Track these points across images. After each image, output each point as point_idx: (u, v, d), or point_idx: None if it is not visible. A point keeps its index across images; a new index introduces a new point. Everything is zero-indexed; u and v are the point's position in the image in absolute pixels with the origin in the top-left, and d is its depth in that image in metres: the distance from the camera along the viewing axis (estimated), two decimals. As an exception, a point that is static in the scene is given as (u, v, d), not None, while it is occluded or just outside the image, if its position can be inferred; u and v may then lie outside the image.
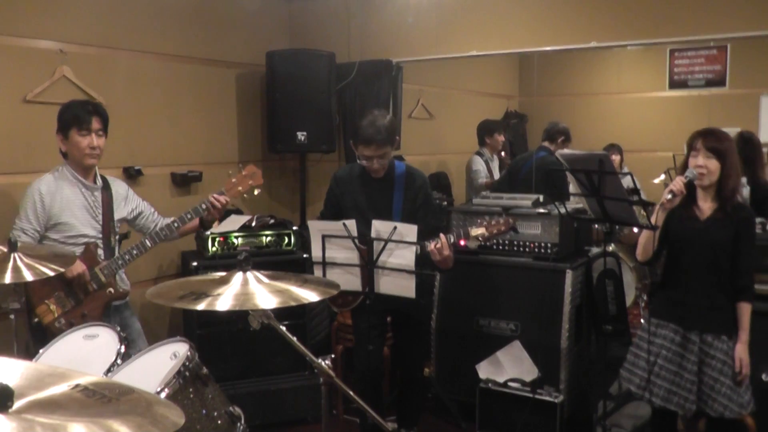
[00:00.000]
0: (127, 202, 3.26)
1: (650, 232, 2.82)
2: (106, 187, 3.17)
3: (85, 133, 3.00)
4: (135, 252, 3.08)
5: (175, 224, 3.17)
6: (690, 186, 2.79)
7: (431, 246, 3.05)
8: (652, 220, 2.81)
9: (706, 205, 2.81)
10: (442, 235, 3.07)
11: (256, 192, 3.20)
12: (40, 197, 2.98)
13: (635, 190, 3.39)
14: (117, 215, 3.19)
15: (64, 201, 3.02)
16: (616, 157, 5.01)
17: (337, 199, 3.36)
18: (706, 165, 2.73)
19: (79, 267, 2.95)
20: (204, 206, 3.13)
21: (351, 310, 3.42)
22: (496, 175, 5.26)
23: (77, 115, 3.00)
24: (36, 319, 2.92)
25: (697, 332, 2.77)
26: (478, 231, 3.11)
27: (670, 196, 2.73)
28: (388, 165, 3.28)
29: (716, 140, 2.74)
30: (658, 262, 2.97)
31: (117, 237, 3.22)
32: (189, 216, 3.15)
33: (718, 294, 2.77)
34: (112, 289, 3.07)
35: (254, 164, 3.27)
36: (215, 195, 3.14)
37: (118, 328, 2.54)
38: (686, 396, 2.76)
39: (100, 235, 3.11)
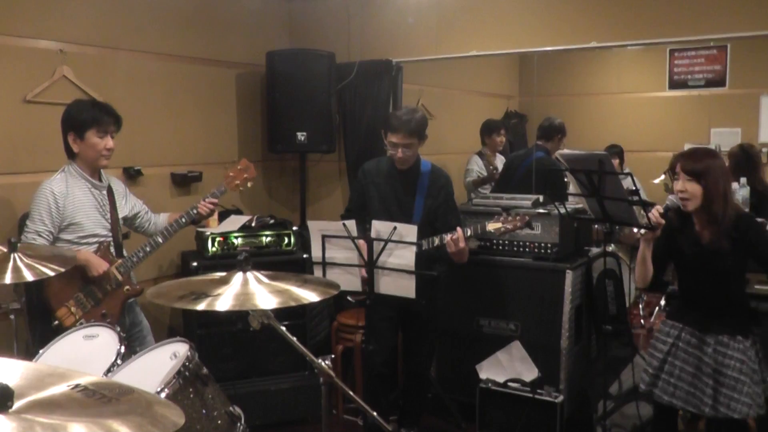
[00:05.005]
0: (126, 200, 3.27)
1: (643, 259, 2.87)
2: (108, 186, 3.18)
3: (103, 134, 2.99)
4: (148, 249, 3.09)
5: (183, 219, 3.18)
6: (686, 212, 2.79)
7: (447, 237, 3.14)
8: (638, 253, 2.87)
9: (704, 231, 2.77)
10: (459, 228, 3.16)
11: (249, 184, 3.31)
12: (54, 198, 2.93)
13: (635, 192, 3.38)
14: (120, 213, 3.20)
15: (76, 201, 2.99)
16: (614, 161, 4.97)
17: (362, 189, 3.47)
18: (686, 188, 2.70)
19: (103, 264, 2.97)
20: (195, 211, 3.19)
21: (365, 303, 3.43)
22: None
23: (97, 117, 2.98)
24: (56, 322, 2.89)
25: (713, 334, 2.76)
26: (494, 225, 3.17)
27: (648, 227, 2.76)
28: (414, 162, 3.38)
29: (695, 161, 2.70)
30: (658, 285, 2.98)
31: (122, 235, 3.23)
32: (195, 211, 3.19)
33: (731, 303, 2.78)
34: (128, 287, 3.09)
35: (251, 162, 3.35)
36: (204, 203, 3.20)
37: (118, 329, 2.54)
38: (702, 398, 2.74)
39: (110, 234, 3.11)
